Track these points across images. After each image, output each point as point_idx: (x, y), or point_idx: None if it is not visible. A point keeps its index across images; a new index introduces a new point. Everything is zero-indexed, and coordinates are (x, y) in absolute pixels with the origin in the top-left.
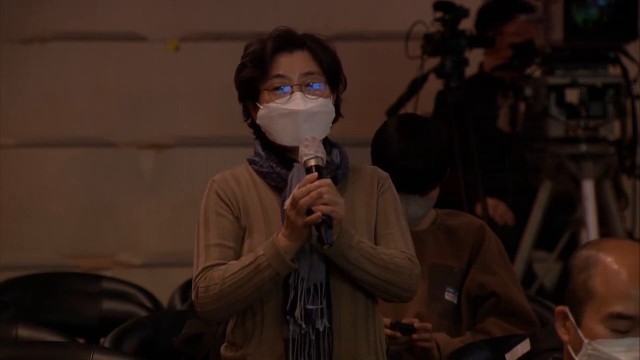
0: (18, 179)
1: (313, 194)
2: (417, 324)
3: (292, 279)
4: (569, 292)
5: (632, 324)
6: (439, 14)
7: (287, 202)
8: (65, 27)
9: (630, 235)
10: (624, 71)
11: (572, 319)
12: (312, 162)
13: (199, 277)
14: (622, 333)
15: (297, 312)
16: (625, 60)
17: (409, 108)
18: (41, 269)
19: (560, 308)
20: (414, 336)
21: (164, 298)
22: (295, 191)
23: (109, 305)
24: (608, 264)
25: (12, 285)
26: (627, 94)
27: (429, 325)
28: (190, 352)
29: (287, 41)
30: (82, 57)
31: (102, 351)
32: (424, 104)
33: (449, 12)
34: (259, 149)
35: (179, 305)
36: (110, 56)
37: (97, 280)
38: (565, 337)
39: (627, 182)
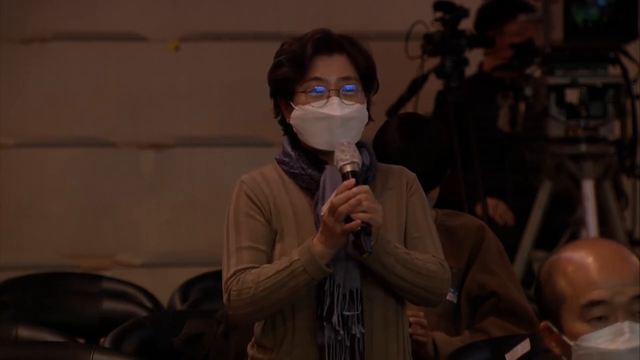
0: (18, 179)
1: (352, 201)
2: (412, 318)
3: (327, 285)
4: (544, 306)
5: (607, 308)
6: (439, 14)
7: (325, 208)
8: (65, 27)
9: (630, 235)
10: (624, 71)
11: (555, 329)
12: (349, 168)
13: (231, 279)
14: (600, 321)
15: (335, 319)
16: (625, 60)
17: (409, 108)
18: (41, 269)
19: (542, 324)
20: (409, 330)
21: (164, 298)
22: (334, 198)
23: (109, 305)
24: (568, 265)
25: (12, 285)
26: (627, 94)
27: (424, 320)
28: (190, 352)
29: (327, 44)
30: (82, 57)
31: (102, 351)
32: (424, 104)
33: (449, 12)
34: (288, 149)
35: (179, 305)
36: (110, 56)
37: (97, 280)
38: (557, 351)
39: (627, 182)
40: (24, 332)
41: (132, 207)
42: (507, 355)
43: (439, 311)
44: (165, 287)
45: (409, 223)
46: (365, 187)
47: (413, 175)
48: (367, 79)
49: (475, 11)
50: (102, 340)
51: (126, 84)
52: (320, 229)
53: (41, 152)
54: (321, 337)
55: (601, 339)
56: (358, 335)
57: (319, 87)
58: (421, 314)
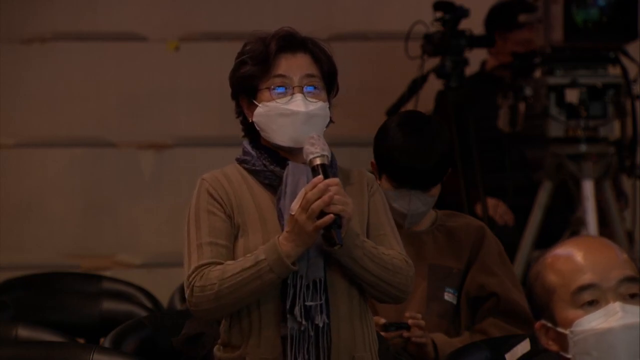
0: (18, 179)
1: (325, 197)
2: (410, 321)
3: (290, 278)
4: (536, 305)
5: (597, 292)
6: (439, 14)
7: (295, 206)
8: (65, 27)
9: (630, 235)
10: (624, 71)
11: (550, 325)
12: (318, 161)
13: (193, 275)
14: (592, 305)
15: (297, 310)
16: (625, 60)
17: (409, 108)
18: (41, 269)
19: (537, 324)
20: (405, 334)
21: (164, 298)
22: (308, 194)
23: (109, 305)
24: (554, 260)
25: (12, 285)
26: (627, 94)
27: (422, 322)
28: (190, 352)
29: (291, 42)
30: (82, 57)
31: (102, 351)
32: (424, 104)
33: (449, 12)
34: (249, 148)
35: (179, 305)
36: (110, 56)
37: (97, 280)
38: (554, 348)
39: (627, 182)
40: (24, 332)
41: (132, 207)
42: (507, 355)
43: (439, 312)
44: (165, 287)
45: (371, 222)
46: (335, 179)
47: (372, 176)
48: (328, 80)
49: (477, 10)
50: (102, 340)
51: (126, 84)
52: (288, 228)
53: (41, 152)
54: (285, 328)
55: (595, 321)
56: (321, 325)
57: (281, 86)
58: (419, 315)
